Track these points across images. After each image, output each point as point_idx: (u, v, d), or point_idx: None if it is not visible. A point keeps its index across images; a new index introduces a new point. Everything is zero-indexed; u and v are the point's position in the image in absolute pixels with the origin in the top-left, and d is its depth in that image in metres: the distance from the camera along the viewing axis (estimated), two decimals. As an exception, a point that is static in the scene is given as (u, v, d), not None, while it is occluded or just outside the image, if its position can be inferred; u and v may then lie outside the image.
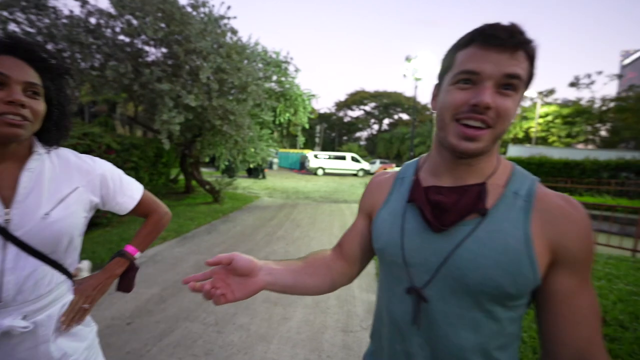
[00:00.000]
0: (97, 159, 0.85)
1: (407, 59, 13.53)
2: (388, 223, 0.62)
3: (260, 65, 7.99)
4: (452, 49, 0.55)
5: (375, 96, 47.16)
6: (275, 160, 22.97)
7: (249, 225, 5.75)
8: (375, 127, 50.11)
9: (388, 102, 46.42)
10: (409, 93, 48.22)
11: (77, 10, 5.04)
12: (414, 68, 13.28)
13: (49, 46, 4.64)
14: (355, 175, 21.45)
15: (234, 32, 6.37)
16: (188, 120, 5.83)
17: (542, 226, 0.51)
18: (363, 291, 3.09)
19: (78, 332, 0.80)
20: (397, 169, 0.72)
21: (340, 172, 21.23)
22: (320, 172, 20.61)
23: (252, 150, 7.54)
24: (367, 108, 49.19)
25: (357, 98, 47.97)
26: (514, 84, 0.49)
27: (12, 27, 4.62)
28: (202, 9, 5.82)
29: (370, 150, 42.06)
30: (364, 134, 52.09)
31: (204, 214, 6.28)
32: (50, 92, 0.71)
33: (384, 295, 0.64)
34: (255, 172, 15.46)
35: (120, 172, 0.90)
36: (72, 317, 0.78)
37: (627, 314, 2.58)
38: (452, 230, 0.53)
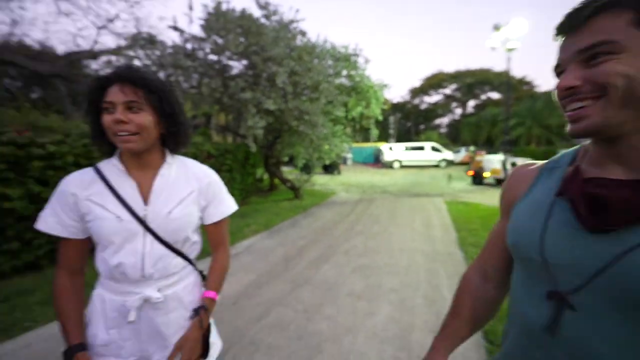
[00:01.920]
0: (207, 168, 0.97)
1: (496, 27, 11.63)
2: (527, 216, 0.54)
3: (330, 62, 8.10)
4: None
5: (456, 77, 42.60)
6: (349, 155, 23.07)
7: (328, 220, 5.93)
8: (458, 111, 45.40)
9: (472, 82, 41.28)
10: (498, 67, 41.58)
11: (177, 38, 6.04)
12: (505, 37, 11.34)
13: (161, 73, 5.67)
14: (436, 166, 19.89)
15: (303, 34, 6.62)
16: (269, 124, 6.33)
17: None
18: (453, 292, 2.83)
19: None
20: (538, 162, 0.63)
21: (419, 163, 19.97)
22: (396, 165, 19.79)
23: (327, 147, 7.73)
24: (447, 91, 44.91)
25: (434, 82, 44.27)
26: (599, 51, 0.43)
27: (134, 62, 5.86)
28: (274, 17, 6.23)
29: (453, 138, 38.14)
30: (444, 120, 47.81)
31: (287, 209, 6.75)
32: (158, 105, 0.79)
33: (517, 295, 0.57)
34: (330, 169, 15.83)
35: (222, 185, 0.98)
36: None
37: None
38: (620, 232, 0.43)
